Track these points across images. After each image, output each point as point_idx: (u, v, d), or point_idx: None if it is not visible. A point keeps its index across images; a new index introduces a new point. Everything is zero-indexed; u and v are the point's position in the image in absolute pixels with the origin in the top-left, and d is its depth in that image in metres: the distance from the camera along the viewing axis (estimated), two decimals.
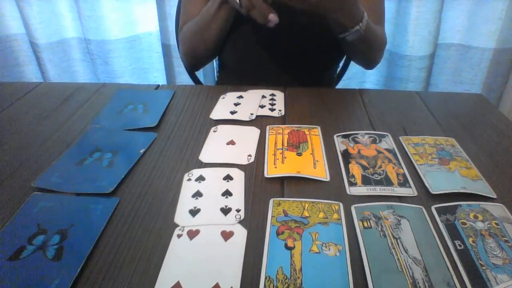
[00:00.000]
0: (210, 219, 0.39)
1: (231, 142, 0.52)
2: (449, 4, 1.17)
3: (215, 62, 1.14)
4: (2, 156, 0.50)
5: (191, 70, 0.94)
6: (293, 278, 0.33)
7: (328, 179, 0.45)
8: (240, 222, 0.39)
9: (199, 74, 1.22)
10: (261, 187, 0.44)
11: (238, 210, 0.40)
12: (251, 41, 0.74)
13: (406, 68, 1.24)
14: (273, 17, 0.52)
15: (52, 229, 0.38)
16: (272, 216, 0.39)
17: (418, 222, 0.39)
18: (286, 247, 0.36)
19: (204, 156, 0.50)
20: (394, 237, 0.37)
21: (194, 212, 0.40)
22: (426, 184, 0.44)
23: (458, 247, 0.36)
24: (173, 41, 1.32)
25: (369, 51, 0.73)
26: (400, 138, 0.53)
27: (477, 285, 0.33)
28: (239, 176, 0.46)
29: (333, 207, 0.41)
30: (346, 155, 0.50)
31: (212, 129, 0.56)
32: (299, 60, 0.75)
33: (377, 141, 0.52)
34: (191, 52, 0.76)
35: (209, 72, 1.35)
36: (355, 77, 1.35)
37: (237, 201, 0.42)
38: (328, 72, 0.85)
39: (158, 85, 0.70)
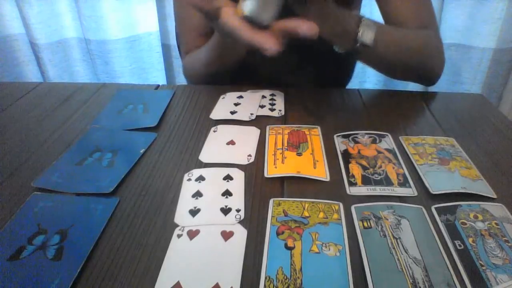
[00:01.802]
0: (210, 219, 0.39)
1: (231, 142, 0.52)
2: (449, 4, 1.17)
3: None
4: (2, 156, 0.50)
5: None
6: (293, 278, 0.33)
7: (328, 179, 0.45)
8: (240, 222, 0.39)
9: None
10: (261, 187, 0.44)
11: (238, 210, 0.40)
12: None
13: None
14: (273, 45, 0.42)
15: (52, 229, 0.38)
16: (272, 216, 0.39)
17: (418, 222, 0.39)
18: (286, 247, 0.36)
19: (204, 156, 0.50)
20: (394, 237, 0.37)
21: (194, 212, 0.40)
22: (426, 184, 0.44)
23: (458, 247, 0.36)
24: (173, 41, 1.32)
25: (403, 64, 0.62)
26: (400, 138, 0.53)
27: (477, 285, 0.32)
28: (239, 176, 0.46)
29: (333, 207, 0.41)
30: (346, 155, 0.50)
31: (212, 129, 0.56)
32: (302, 66, 0.75)
33: (377, 141, 0.52)
34: (197, 83, 0.74)
35: None
36: (355, 77, 1.34)
37: (237, 201, 0.42)
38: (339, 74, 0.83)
39: (158, 85, 0.70)
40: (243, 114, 0.59)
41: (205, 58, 0.67)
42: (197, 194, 0.43)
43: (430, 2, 0.65)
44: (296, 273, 0.33)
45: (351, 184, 0.44)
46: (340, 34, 0.54)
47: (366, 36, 0.54)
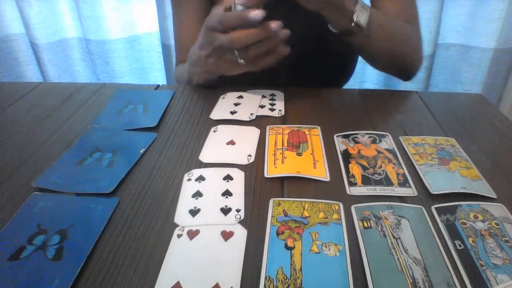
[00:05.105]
0: (210, 219, 0.39)
1: (231, 142, 0.52)
2: (449, 4, 1.17)
3: None
4: (2, 156, 0.50)
5: None
6: (293, 278, 0.33)
7: (328, 179, 0.45)
8: (240, 222, 0.39)
9: None
10: (261, 187, 0.44)
11: (238, 210, 0.40)
12: None
13: None
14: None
15: (52, 229, 0.38)
16: (272, 216, 0.39)
17: (418, 222, 0.39)
18: (286, 247, 0.36)
19: (204, 156, 0.50)
20: (394, 237, 0.37)
21: (194, 212, 0.40)
22: (426, 184, 0.44)
23: (458, 247, 0.36)
24: (173, 41, 1.32)
25: (389, 52, 0.65)
26: (400, 138, 0.53)
27: (477, 285, 0.32)
28: (239, 176, 0.46)
29: (333, 207, 0.41)
30: (346, 155, 0.50)
31: (212, 129, 0.56)
32: (303, 66, 0.75)
33: (377, 141, 0.52)
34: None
35: None
36: (355, 77, 1.34)
37: (237, 201, 0.42)
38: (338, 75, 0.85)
39: (158, 85, 0.70)
40: (243, 114, 0.59)
41: (184, 79, 0.71)
42: (197, 194, 0.43)
43: (416, 2, 0.71)
44: (296, 273, 0.33)
45: (351, 184, 0.44)
46: (339, 8, 0.56)
47: (361, 17, 0.57)
